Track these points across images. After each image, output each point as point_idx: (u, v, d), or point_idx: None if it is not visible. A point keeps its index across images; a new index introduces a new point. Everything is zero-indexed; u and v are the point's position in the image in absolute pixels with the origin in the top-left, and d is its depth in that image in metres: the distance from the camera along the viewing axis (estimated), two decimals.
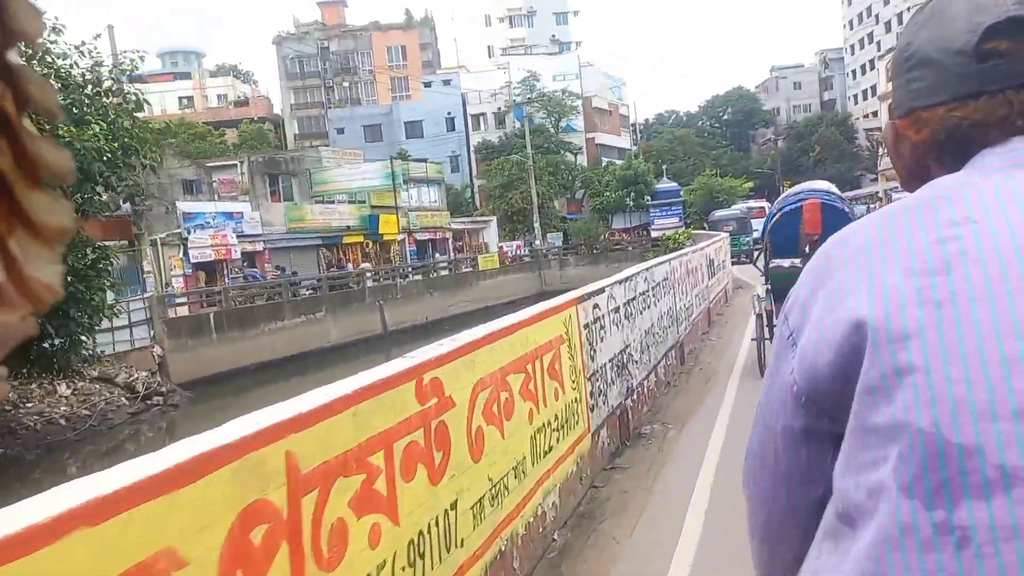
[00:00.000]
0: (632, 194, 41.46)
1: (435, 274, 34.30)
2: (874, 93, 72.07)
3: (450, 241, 40.92)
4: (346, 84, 66.78)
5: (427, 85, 55.64)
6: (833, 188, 8.28)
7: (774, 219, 8.09)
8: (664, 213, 39.95)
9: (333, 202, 33.37)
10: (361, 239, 34.39)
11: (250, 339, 23.32)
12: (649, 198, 41.51)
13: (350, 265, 32.64)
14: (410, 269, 32.53)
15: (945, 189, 0.69)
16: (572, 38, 68.57)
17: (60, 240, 0.26)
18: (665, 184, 40.96)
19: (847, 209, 7.71)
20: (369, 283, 28.98)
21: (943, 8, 0.76)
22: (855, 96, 79.84)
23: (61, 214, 0.26)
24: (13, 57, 0.24)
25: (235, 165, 28.90)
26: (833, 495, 0.70)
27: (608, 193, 42.39)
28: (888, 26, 73.57)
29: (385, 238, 35.62)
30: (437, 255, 38.93)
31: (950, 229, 0.65)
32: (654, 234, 39.27)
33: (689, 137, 61.27)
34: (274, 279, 27.42)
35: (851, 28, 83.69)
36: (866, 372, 0.65)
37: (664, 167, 49.69)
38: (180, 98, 72.60)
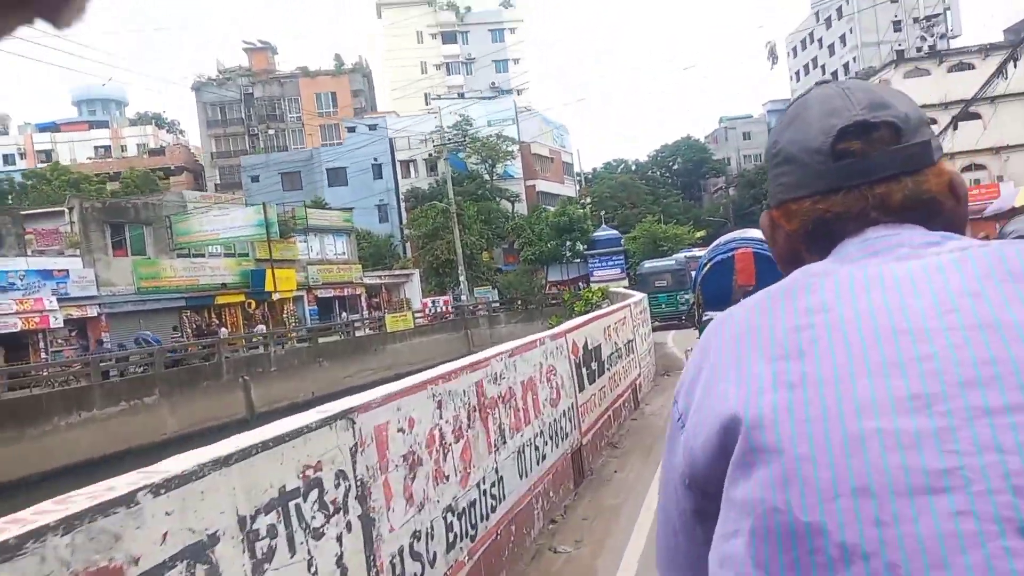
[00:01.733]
0: (568, 243, 36.35)
1: (341, 335, 28.40)
2: None
3: (362, 298, 35.18)
4: (271, 132, 61.59)
5: (352, 130, 50.58)
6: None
7: (705, 270, 7.60)
8: (604, 264, 34.84)
9: (203, 255, 27.51)
10: (242, 298, 28.47)
11: (34, 439, 17.11)
12: (587, 247, 36.45)
13: (223, 331, 26.62)
14: (293, 333, 26.55)
15: (809, 276, 0.73)
16: (513, 86, 64.69)
17: None
18: (604, 232, 36.03)
19: None
20: (270, 349, 22.98)
21: (803, 111, 0.81)
22: None
23: None
24: None
25: (61, 212, 22.91)
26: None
27: (542, 242, 37.24)
28: (835, 76, 71.51)
29: (276, 297, 29.75)
30: (345, 314, 33.10)
31: (806, 317, 0.69)
32: (594, 286, 34.05)
33: (635, 183, 56.89)
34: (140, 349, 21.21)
35: (797, 80, 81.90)
36: (735, 452, 0.67)
37: (604, 214, 44.88)
38: (96, 147, 66.64)
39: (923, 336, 0.64)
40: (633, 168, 71.83)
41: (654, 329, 19.78)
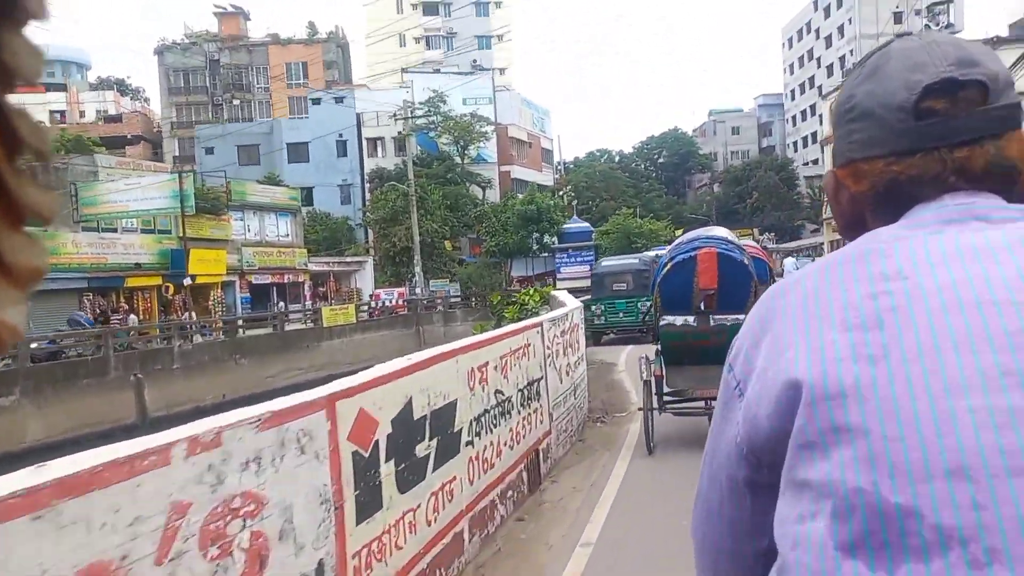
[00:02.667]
0: (536, 235, 33.24)
1: (265, 328, 25.18)
2: (815, 140, 66.54)
3: (305, 286, 31.92)
4: (237, 102, 57.80)
5: (316, 102, 47.03)
6: (731, 236, 7.05)
7: (665, 270, 6.88)
8: (572, 259, 31.73)
9: (116, 230, 24.14)
10: (159, 281, 25.14)
11: None
12: (555, 240, 33.32)
13: (133, 318, 23.32)
14: (202, 324, 23.25)
15: (879, 242, 0.70)
16: (496, 64, 61.18)
17: (33, 281, 0.25)
18: (574, 224, 32.89)
19: (746, 260, 6.60)
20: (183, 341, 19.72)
21: (883, 64, 0.76)
22: (795, 143, 74.43)
23: (36, 255, 0.25)
24: (8, 99, 0.23)
25: None
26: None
27: (507, 233, 34.07)
28: (830, 70, 68.42)
29: (200, 280, 26.44)
30: (282, 304, 29.85)
31: (882, 284, 0.66)
32: (561, 284, 31.04)
33: (614, 173, 53.65)
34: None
35: (791, 72, 78.83)
36: (802, 428, 0.65)
37: (576, 204, 41.65)
38: (52, 112, 62.48)
39: (1011, 309, 0.61)
40: (617, 159, 68.65)
41: (607, 342, 16.05)
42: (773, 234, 53.20)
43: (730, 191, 62.41)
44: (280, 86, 56.51)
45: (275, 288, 30.18)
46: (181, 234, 25.52)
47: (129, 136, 56.79)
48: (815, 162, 64.13)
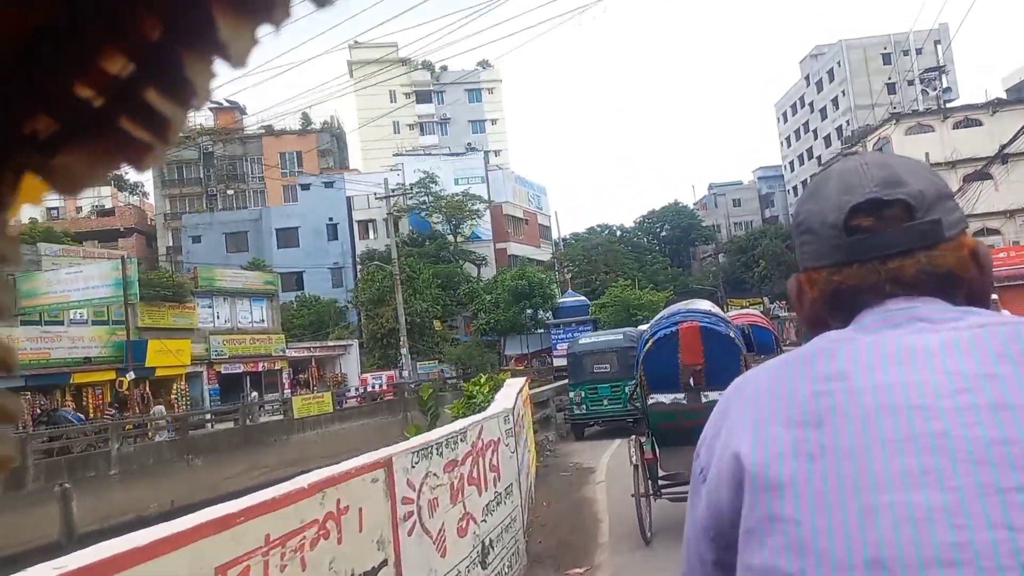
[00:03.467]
0: (529, 310, 30.86)
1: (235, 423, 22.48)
2: None
3: (283, 374, 29.42)
4: (231, 192, 57.10)
5: (306, 187, 45.93)
6: (715, 308, 6.80)
7: (647, 346, 6.50)
8: (569, 334, 29.21)
9: (62, 323, 21.98)
10: (113, 376, 22.75)
11: None
12: (550, 315, 30.90)
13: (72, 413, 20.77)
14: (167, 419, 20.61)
15: (829, 343, 0.76)
16: (490, 147, 60.66)
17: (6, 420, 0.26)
18: (570, 298, 30.56)
19: (731, 334, 6.31)
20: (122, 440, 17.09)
21: (823, 185, 0.84)
22: None
23: (4, 447, 0.26)
24: None
25: None
26: None
27: (498, 310, 31.70)
28: (828, 140, 67.59)
29: (161, 373, 24.03)
30: (255, 395, 27.26)
31: (825, 384, 0.71)
32: (557, 362, 28.41)
33: (612, 245, 51.67)
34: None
35: (788, 145, 78.33)
36: (747, 515, 0.70)
37: (571, 278, 39.40)
38: (48, 208, 62.08)
39: (936, 413, 0.66)
40: (619, 234, 67.08)
41: (591, 436, 12.61)
42: (784, 302, 50.70)
43: (735, 260, 60.36)
44: (274, 175, 55.85)
45: (248, 377, 27.68)
46: (141, 324, 23.32)
47: (122, 229, 55.83)
48: None
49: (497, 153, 60.83)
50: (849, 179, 0.81)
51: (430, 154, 48.51)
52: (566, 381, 13.21)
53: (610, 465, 9.48)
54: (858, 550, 0.62)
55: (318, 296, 41.50)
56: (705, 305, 6.92)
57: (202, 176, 57.03)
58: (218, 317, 26.78)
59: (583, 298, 30.57)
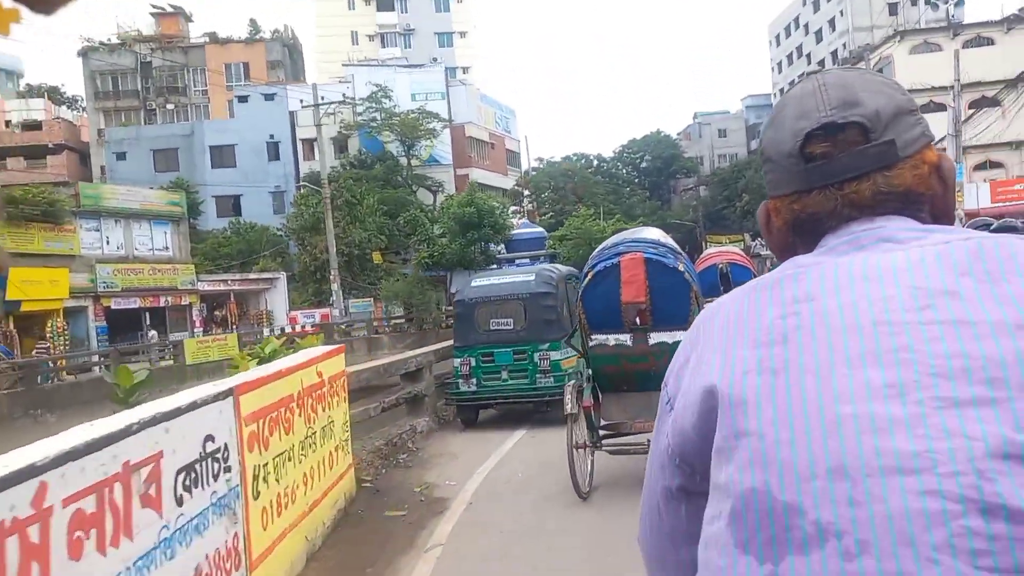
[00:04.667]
0: (479, 243, 26.89)
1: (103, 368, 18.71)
2: None
3: (192, 310, 25.50)
4: (171, 106, 51.64)
5: (243, 100, 40.89)
6: (666, 238, 6.00)
7: (586, 280, 5.83)
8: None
9: None
10: None
11: None
12: (503, 249, 27.00)
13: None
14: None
15: (796, 267, 0.76)
16: (458, 63, 55.22)
17: None
18: (525, 230, 26.58)
19: (680, 266, 5.63)
20: None
21: (780, 112, 0.82)
22: None
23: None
24: None
25: None
26: None
27: (443, 242, 27.70)
28: (821, 65, 62.79)
29: (30, 308, 20.06)
30: (154, 334, 23.39)
31: (792, 306, 0.71)
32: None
33: (582, 171, 47.28)
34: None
35: (779, 71, 73.17)
36: (717, 435, 0.70)
37: (536, 208, 35.26)
38: None
39: (900, 328, 0.66)
40: (595, 163, 62.48)
41: (484, 423, 8.81)
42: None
43: (718, 194, 56.48)
44: (219, 90, 50.40)
45: (147, 314, 23.74)
46: (12, 249, 19.13)
47: (51, 145, 50.50)
48: None
49: (466, 70, 55.48)
50: (805, 103, 0.79)
51: (385, 65, 43.31)
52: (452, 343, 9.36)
53: (484, 491, 5.78)
54: (820, 459, 0.62)
55: (255, 223, 37.20)
56: (654, 234, 6.14)
57: (139, 88, 51.47)
58: (108, 243, 22.62)
59: (540, 229, 26.62)
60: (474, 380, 8.56)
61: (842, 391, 0.64)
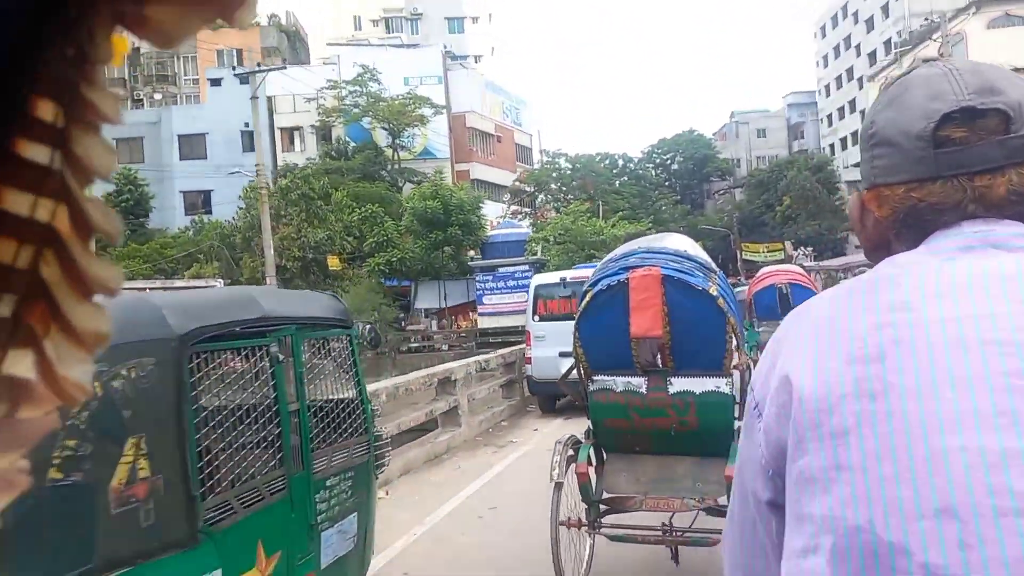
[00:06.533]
0: (447, 247, 21.51)
1: None
2: (856, 141, 54.07)
3: None
4: (158, 96, 47.71)
5: (216, 83, 36.36)
6: (695, 249, 4.24)
7: (585, 301, 4.15)
8: (502, 283, 19.99)
9: None
10: None
11: None
12: (477, 254, 21.60)
13: None
14: None
15: (894, 268, 0.70)
16: (469, 51, 50.11)
17: (97, 345, 0.26)
18: (506, 230, 21.15)
19: (715, 289, 3.87)
20: None
21: (904, 91, 0.76)
22: (831, 145, 61.66)
23: (99, 321, 0.25)
24: (80, 189, 0.24)
25: None
26: None
27: (404, 244, 22.40)
28: (872, 57, 55.78)
29: None
30: None
31: (888, 314, 0.66)
32: (483, 323, 19.38)
33: (593, 166, 41.46)
34: None
35: (825, 65, 66.30)
36: (808, 461, 0.65)
37: (510, 204, 29.61)
38: None
39: (1012, 349, 0.60)
40: (620, 163, 56.61)
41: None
42: (811, 248, 40.60)
43: (755, 197, 50.09)
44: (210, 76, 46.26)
45: None
46: None
47: None
48: (858, 165, 51.46)
49: (477, 59, 50.32)
50: (938, 85, 0.71)
51: (372, 45, 38.33)
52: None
53: None
54: (927, 498, 0.58)
55: (221, 221, 32.54)
56: (679, 243, 4.26)
57: (127, 76, 47.62)
58: None
59: (524, 230, 21.14)
60: None
61: (947, 419, 0.59)
